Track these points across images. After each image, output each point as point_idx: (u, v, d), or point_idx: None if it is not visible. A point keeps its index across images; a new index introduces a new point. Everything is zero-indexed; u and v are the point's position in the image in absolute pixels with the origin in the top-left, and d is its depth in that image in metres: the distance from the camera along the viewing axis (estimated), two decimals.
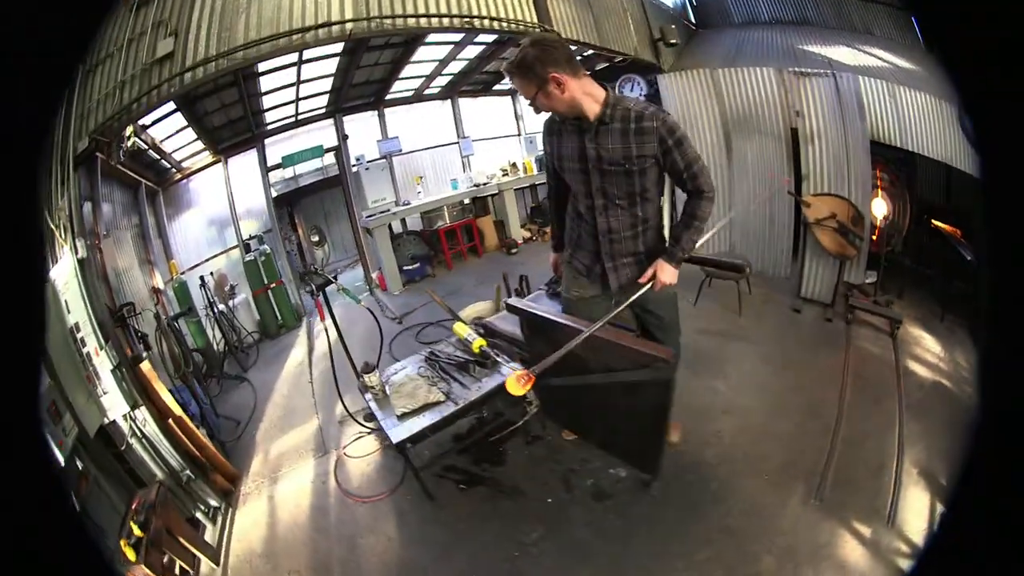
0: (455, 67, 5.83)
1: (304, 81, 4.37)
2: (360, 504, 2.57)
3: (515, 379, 1.73)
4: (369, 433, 3.01)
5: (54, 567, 0.50)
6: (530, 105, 1.80)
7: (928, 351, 3.02)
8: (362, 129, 5.88)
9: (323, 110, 5.22)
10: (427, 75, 5.81)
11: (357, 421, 3.00)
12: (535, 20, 3.96)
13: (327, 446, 3.06)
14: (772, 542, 1.99)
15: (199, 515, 2.69)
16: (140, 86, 2.90)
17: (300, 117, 4.99)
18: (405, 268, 6.02)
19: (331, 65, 4.36)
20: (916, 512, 2.09)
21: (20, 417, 0.49)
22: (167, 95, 3.03)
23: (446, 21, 3.62)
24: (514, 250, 6.64)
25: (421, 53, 4.94)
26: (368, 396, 2.57)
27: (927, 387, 2.79)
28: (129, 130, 3.08)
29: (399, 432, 2.27)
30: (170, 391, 2.95)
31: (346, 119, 5.54)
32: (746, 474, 2.31)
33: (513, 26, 3.83)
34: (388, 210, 5.88)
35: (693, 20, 4.93)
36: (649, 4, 4.84)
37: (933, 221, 3.16)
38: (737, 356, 3.25)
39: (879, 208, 3.26)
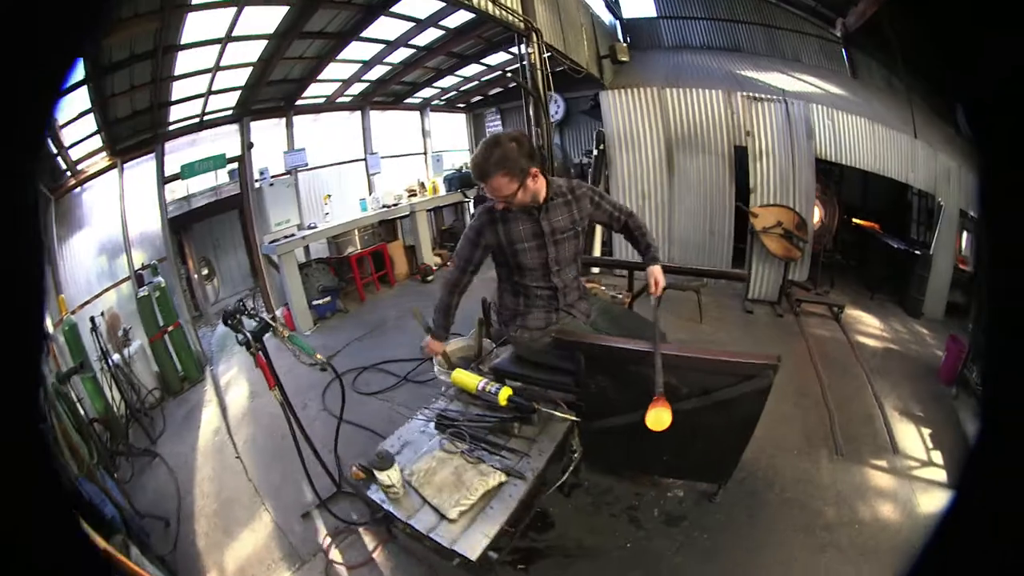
0: (377, 72, 5.85)
1: (221, 68, 4.03)
2: None
3: (655, 413, 1.73)
4: (347, 527, 2.59)
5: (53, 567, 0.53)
6: (499, 200, 2.03)
7: (870, 325, 4.09)
8: (266, 140, 5.49)
9: (230, 111, 4.80)
10: (345, 79, 5.72)
11: (347, 522, 2.56)
12: (521, 12, 4.31)
13: (300, 553, 2.51)
14: (824, 496, 2.59)
15: None
16: None
17: (206, 117, 4.51)
18: (315, 303, 5.65)
19: (255, 50, 4.12)
20: (910, 438, 3.04)
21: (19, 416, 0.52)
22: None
23: None
24: (429, 277, 6.69)
25: (350, 51, 4.91)
26: (377, 494, 1.97)
27: (880, 353, 3.77)
28: None
29: (472, 541, 1.71)
30: (76, 493, 2.32)
31: (253, 125, 5.14)
32: (779, 455, 2.86)
33: (501, 13, 4.09)
34: (294, 235, 5.51)
35: (624, 41, 5.76)
36: (598, 22, 5.57)
37: (853, 220, 4.27)
38: None
39: (814, 214, 4.28)
